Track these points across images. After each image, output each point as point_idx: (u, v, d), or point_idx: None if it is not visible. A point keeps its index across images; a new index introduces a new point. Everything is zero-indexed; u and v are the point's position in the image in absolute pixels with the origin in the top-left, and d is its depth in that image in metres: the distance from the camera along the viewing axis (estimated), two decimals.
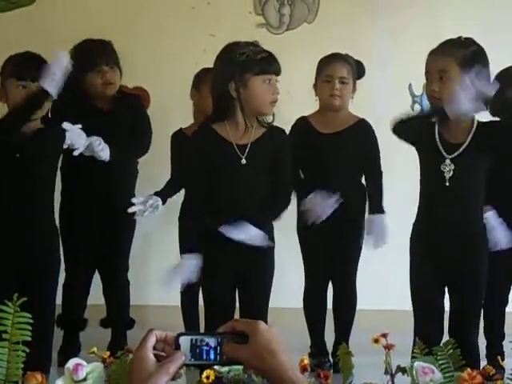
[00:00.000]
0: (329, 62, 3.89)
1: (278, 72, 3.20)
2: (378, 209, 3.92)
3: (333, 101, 3.87)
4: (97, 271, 4.08)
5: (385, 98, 4.65)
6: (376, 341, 2.38)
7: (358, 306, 3.99)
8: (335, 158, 3.82)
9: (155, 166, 4.32)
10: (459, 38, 3.22)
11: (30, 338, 2.16)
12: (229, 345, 1.32)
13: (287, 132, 3.41)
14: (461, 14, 4.68)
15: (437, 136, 3.24)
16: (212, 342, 1.33)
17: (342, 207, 3.77)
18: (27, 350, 2.19)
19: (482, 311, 3.60)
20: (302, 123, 3.92)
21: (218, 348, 1.32)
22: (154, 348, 1.31)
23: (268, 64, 3.17)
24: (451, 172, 3.19)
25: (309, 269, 3.98)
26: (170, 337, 1.33)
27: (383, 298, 4.52)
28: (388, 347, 2.35)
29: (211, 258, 3.21)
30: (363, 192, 3.96)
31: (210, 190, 3.17)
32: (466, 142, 3.20)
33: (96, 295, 4.08)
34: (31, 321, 2.15)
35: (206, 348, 1.32)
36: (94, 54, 3.86)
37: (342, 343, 2.49)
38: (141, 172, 4.16)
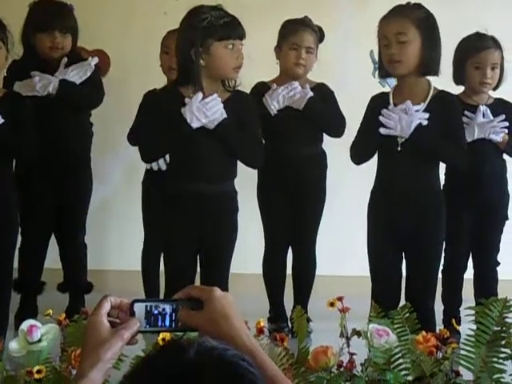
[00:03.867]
0: (296, 30, 3.83)
1: (241, 36, 3.17)
2: None
3: (297, 69, 3.85)
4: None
5: (346, 64, 4.64)
6: (332, 304, 2.39)
7: (317, 272, 4.01)
8: (295, 121, 3.80)
9: (115, 128, 4.28)
10: (408, 3, 3.23)
11: None
12: (184, 311, 1.32)
13: None
14: None
15: (391, 101, 3.25)
16: (167, 308, 1.32)
17: (302, 172, 3.82)
18: None
19: (441, 277, 3.64)
20: (262, 88, 3.89)
21: (173, 315, 1.32)
22: (109, 315, 1.30)
23: (231, 29, 3.14)
24: (403, 138, 3.20)
25: (268, 234, 3.98)
26: (125, 303, 1.32)
27: (342, 264, 4.55)
28: (343, 310, 2.37)
29: (174, 223, 3.22)
30: (324, 157, 3.96)
31: (171, 151, 3.19)
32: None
33: (55, 259, 4.05)
34: None
35: (161, 315, 1.32)
36: (48, 17, 3.79)
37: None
38: (99, 133, 4.12)
